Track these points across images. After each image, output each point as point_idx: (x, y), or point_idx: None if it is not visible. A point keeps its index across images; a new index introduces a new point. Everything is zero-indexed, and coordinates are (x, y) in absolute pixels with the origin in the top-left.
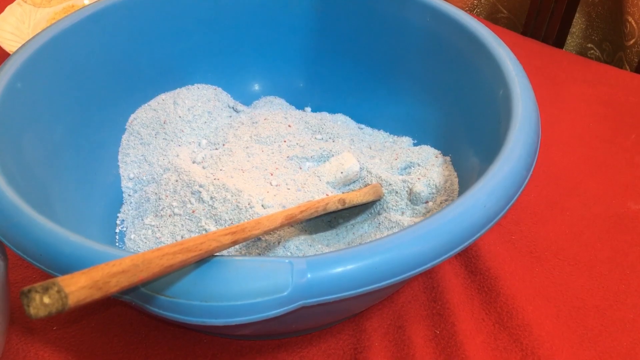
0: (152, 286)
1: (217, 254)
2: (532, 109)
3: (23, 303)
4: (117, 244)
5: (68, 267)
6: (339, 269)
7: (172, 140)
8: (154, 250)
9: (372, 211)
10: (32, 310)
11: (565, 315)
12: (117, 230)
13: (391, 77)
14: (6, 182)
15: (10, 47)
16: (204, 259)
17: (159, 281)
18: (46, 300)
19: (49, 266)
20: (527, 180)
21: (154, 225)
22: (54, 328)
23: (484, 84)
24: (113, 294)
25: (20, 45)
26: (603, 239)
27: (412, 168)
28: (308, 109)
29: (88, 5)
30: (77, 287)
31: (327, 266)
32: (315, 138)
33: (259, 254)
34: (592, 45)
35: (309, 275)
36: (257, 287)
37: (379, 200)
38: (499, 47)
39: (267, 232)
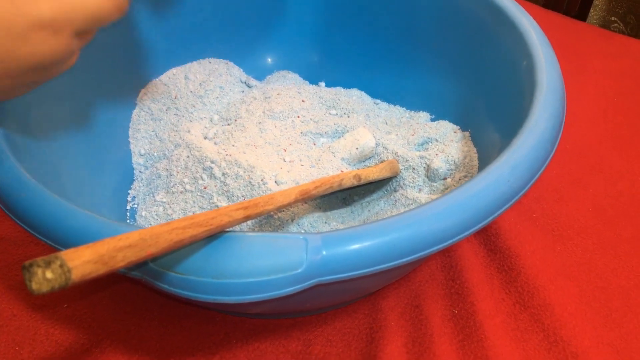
0: (162, 262)
1: (229, 229)
2: (557, 80)
3: (25, 278)
4: (128, 221)
5: (76, 242)
6: (356, 246)
7: (183, 116)
8: (163, 225)
9: (388, 188)
10: (35, 286)
11: (589, 295)
12: (128, 207)
13: (408, 50)
14: (13, 156)
15: None
16: (215, 235)
17: (169, 257)
18: (49, 275)
19: (56, 242)
20: (552, 154)
21: (165, 202)
22: (65, 305)
23: (505, 54)
24: (120, 269)
25: None
26: (628, 216)
27: (430, 144)
28: (322, 84)
29: None
30: (81, 262)
31: (343, 243)
32: (330, 113)
33: (273, 232)
34: (615, 19)
35: (324, 252)
36: (270, 263)
37: (396, 176)
38: (521, 15)
39: (281, 208)
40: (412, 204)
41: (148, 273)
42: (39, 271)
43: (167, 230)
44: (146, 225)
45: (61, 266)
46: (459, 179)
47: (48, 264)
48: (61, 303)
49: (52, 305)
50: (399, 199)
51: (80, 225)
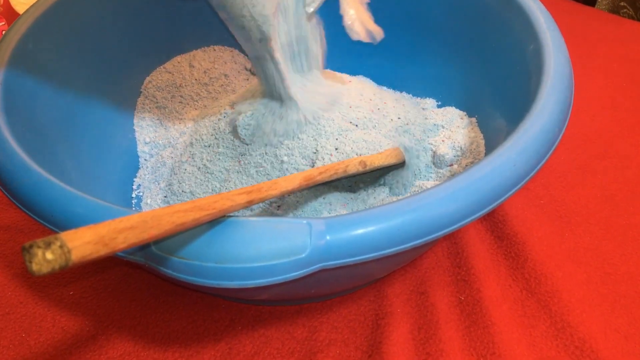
0: (164, 247)
1: (233, 214)
2: (565, 64)
3: (25, 259)
4: (133, 209)
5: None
6: (360, 231)
7: (188, 104)
8: (165, 208)
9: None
10: (35, 267)
11: (596, 281)
12: (133, 195)
13: (413, 36)
14: (17, 143)
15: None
16: (218, 220)
17: (172, 242)
18: (49, 255)
19: (60, 227)
20: (559, 138)
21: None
22: (71, 293)
23: (512, 38)
24: (121, 250)
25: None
26: (636, 202)
27: (436, 130)
28: None
29: None
30: (81, 242)
31: (347, 227)
32: None
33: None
34: (625, 4)
35: (328, 237)
36: (273, 248)
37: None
38: None
39: (285, 194)
40: (418, 191)
41: (151, 258)
42: (39, 252)
43: (169, 212)
44: None
45: (61, 247)
46: (466, 165)
47: (48, 245)
48: (67, 290)
49: (58, 293)
50: None
51: (84, 211)
